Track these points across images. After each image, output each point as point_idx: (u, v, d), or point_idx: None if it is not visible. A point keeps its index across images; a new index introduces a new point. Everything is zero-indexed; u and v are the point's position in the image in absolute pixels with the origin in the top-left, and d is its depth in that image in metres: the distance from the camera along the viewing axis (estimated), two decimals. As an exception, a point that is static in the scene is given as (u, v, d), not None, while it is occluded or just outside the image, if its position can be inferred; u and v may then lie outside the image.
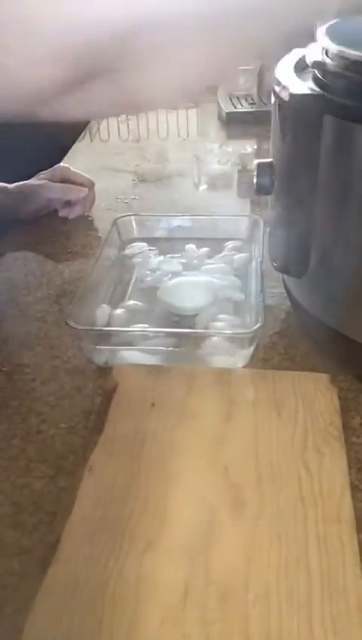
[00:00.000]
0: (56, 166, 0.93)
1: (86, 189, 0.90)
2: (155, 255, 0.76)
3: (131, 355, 0.61)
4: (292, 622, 0.38)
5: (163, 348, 0.60)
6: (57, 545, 0.43)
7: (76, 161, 1.12)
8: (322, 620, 0.38)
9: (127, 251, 0.77)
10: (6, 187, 0.91)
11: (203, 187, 1.04)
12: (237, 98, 1.31)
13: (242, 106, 1.28)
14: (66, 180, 0.91)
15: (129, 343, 0.61)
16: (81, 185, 0.90)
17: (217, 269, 0.71)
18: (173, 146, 1.20)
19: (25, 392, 0.59)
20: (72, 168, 0.93)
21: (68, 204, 0.91)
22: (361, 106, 0.47)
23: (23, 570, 0.43)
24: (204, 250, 0.76)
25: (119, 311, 0.66)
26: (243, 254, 0.73)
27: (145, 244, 0.78)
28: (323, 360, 0.61)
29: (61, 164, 0.96)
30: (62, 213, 0.91)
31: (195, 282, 0.69)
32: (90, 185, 0.92)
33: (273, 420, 0.52)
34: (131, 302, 0.68)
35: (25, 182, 0.91)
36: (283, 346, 0.63)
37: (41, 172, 0.93)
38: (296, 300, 0.64)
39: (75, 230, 0.89)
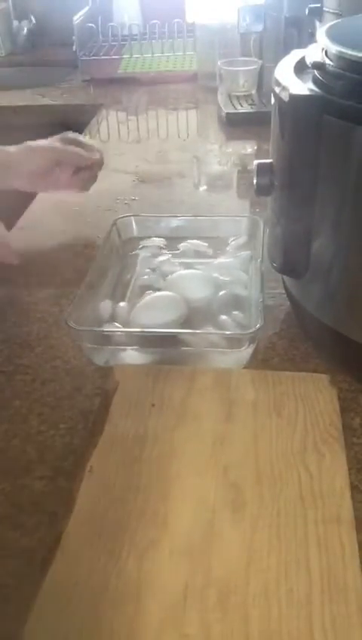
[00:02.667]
0: (64, 133, 0.85)
1: (97, 154, 0.84)
2: (160, 248, 0.77)
3: (131, 356, 0.61)
4: (292, 622, 0.38)
5: (163, 348, 0.60)
6: (57, 545, 0.43)
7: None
8: (322, 620, 0.38)
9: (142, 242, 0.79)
10: (5, 149, 0.82)
11: (203, 188, 1.04)
12: (237, 99, 1.31)
13: (242, 106, 1.28)
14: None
15: (129, 343, 0.61)
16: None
17: (224, 265, 0.71)
18: (173, 146, 1.20)
19: (25, 392, 0.59)
20: (81, 137, 0.86)
21: (70, 175, 0.82)
22: (361, 106, 0.47)
23: (23, 570, 0.43)
24: (202, 244, 0.76)
25: (122, 304, 0.66)
26: (245, 252, 0.74)
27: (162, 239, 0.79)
28: (323, 361, 0.61)
29: (70, 133, 0.86)
30: (64, 185, 0.83)
31: (201, 275, 0.69)
32: (100, 152, 0.86)
33: (273, 420, 0.52)
34: (135, 296, 0.68)
35: (29, 142, 0.82)
36: (283, 347, 0.63)
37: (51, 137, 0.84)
38: (295, 300, 0.64)
39: (75, 231, 0.89)
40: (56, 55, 1.82)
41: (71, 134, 0.85)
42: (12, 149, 0.81)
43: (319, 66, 0.52)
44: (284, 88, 0.51)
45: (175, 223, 0.80)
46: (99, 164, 0.84)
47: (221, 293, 0.67)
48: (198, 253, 0.76)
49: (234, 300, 0.66)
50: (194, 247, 0.76)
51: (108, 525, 0.44)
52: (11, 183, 0.81)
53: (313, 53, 0.54)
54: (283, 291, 0.68)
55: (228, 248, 0.75)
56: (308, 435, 0.51)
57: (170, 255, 0.75)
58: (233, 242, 0.76)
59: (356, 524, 0.44)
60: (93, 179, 0.84)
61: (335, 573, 0.40)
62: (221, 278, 0.69)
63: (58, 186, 0.83)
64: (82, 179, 0.82)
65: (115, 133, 1.32)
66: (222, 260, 0.73)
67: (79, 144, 0.83)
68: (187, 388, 0.56)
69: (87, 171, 0.82)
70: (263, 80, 1.30)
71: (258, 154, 1.13)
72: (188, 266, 0.73)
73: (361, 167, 0.49)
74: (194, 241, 0.77)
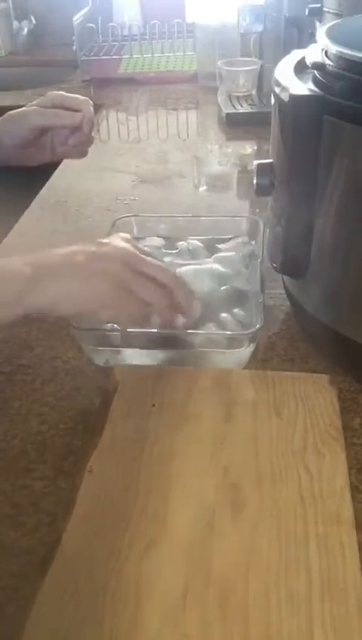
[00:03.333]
0: (48, 93, 0.79)
1: (80, 113, 0.76)
2: (158, 248, 0.76)
3: (131, 356, 0.61)
4: (292, 622, 0.38)
5: (163, 348, 0.60)
6: (58, 545, 0.43)
7: (76, 161, 1.12)
8: (322, 620, 0.38)
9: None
10: None
11: (203, 188, 1.04)
12: (237, 99, 1.31)
13: (242, 107, 1.28)
14: (59, 106, 0.77)
15: (129, 343, 0.61)
16: (78, 109, 0.76)
17: (226, 258, 0.71)
18: (173, 147, 1.20)
19: (25, 392, 0.59)
20: (62, 92, 0.79)
21: (65, 139, 0.78)
22: (361, 107, 0.47)
23: (23, 571, 0.43)
24: (197, 244, 0.76)
25: None
26: (247, 248, 0.73)
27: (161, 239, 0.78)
28: (323, 361, 0.61)
29: (52, 92, 0.80)
30: (60, 153, 0.79)
31: (201, 270, 0.69)
32: (87, 104, 0.77)
33: (273, 420, 0.52)
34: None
35: (10, 112, 0.77)
36: (283, 347, 0.63)
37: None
38: (295, 300, 0.64)
39: (75, 232, 0.89)
40: (56, 55, 1.82)
41: (53, 92, 0.79)
42: None
43: (319, 66, 0.52)
44: (284, 88, 0.51)
45: (175, 223, 0.80)
46: (88, 122, 0.76)
47: (222, 288, 0.66)
48: (196, 253, 0.75)
49: (235, 296, 0.66)
50: (191, 246, 0.76)
51: (108, 525, 0.44)
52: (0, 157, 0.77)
53: (313, 54, 0.55)
54: (283, 291, 0.68)
55: (227, 244, 0.75)
56: (308, 435, 0.51)
57: (170, 258, 0.75)
58: (238, 239, 0.76)
59: (356, 524, 0.44)
60: (88, 140, 0.79)
61: (335, 573, 0.40)
62: (221, 270, 0.68)
63: (52, 154, 0.80)
64: (76, 143, 0.78)
65: (115, 134, 1.32)
66: (223, 254, 0.73)
67: (63, 101, 0.77)
68: (187, 388, 0.56)
69: (78, 133, 0.77)
70: (263, 80, 1.30)
71: (258, 154, 1.13)
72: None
73: (361, 167, 0.49)
74: (192, 240, 0.76)
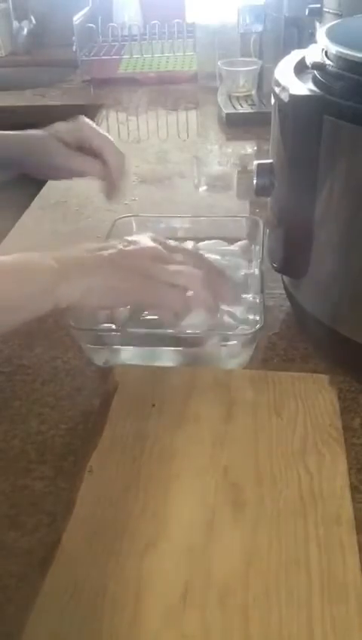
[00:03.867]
0: (76, 119, 0.75)
1: (98, 166, 0.72)
2: None
3: (131, 356, 0.61)
4: (292, 623, 0.38)
5: (163, 348, 0.60)
6: (58, 546, 0.43)
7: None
8: (322, 620, 0.38)
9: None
10: (6, 136, 0.74)
11: (203, 188, 1.04)
12: (237, 99, 1.31)
13: (242, 107, 1.28)
14: (81, 142, 0.73)
15: (129, 343, 0.61)
16: (101, 153, 0.72)
17: (227, 252, 0.71)
18: (173, 147, 1.20)
19: (25, 392, 0.59)
20: (93, 125, 0.75)
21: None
22: (360, 107, 0.47)
23: (23, 571, 0.43)
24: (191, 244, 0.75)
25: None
26: (243, 241, 0.73)
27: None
28: (323, 361, 0.61)
29: (83, 118, 0.76)
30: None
31: None
32: (111, 150, 0.73)
33: (273, 421, 0.52)
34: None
35: (32, 132, 0.73)
36: (283, 347, 0.63)
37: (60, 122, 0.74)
38: (295, 300, 0.64)
39: (76, 232, 0.89)
40: (56, 55, 1.82)
41: (83, 122, 0.74)
42: (12, 139, 0.74)
43: (319, 66, 0.52)
44: (284, 88, 0.51)
45: (175, 223, 0.80)
46: (117, 174, 0.73)
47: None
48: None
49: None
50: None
51: (108, 525, 0.44)
52: (14, 170, 0.76)
53: (313, 54, 0.55)
54: (283, 291, 0.68)
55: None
56: (308, 435, 0.51)
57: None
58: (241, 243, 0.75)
59: (356, 524, 0.44)
60: (117, 189, 0.75)
61: (335, 573, 0.40)
62: (221, 261, 0.68)
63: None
64: (103, 190, 0.75)
65: (115, 134, 1.32)
66: (223, 247, 0.73)
67: (92, 138, 0.73)
68: (187, 388, 0.56)
69: (105, 182, 0.74)
70: (263, 80, 1.30)
71: (258, 154, 1.13)
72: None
73: (361, 167, 0.49)
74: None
